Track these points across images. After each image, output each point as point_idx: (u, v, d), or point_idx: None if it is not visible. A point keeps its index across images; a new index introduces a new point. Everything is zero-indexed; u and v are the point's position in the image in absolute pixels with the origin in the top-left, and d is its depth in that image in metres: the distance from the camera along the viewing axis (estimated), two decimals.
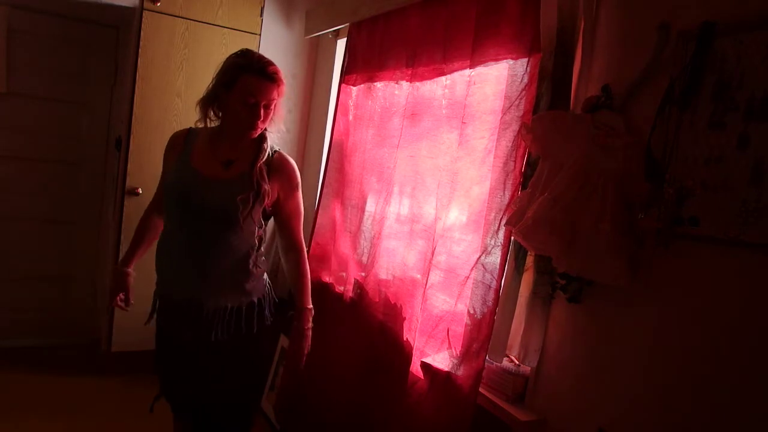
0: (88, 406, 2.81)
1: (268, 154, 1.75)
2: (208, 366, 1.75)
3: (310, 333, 1.83)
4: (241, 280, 1.74)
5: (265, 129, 1.76)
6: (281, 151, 1.80)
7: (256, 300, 1.79)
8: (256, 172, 1.69)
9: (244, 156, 1.73)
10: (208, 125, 1.77)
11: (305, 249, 1.88)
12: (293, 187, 1.80)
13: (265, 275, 1.85)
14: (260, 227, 1.74)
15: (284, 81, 1.70)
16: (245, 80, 1.63)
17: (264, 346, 1.90)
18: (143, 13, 2.86)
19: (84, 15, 3.28)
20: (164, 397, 1.86)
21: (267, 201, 1.72)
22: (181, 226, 1.70)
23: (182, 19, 2.96)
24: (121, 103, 3.31)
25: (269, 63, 1.67)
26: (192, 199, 1.66)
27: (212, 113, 1.75)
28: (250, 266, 1.75)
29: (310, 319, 1.83)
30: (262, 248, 1.79)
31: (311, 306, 1.85)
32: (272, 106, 1.70)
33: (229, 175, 1.70)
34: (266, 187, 1.70)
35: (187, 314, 1.70)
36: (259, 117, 1.66)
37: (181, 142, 1.78)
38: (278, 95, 1.70)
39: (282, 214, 1.81)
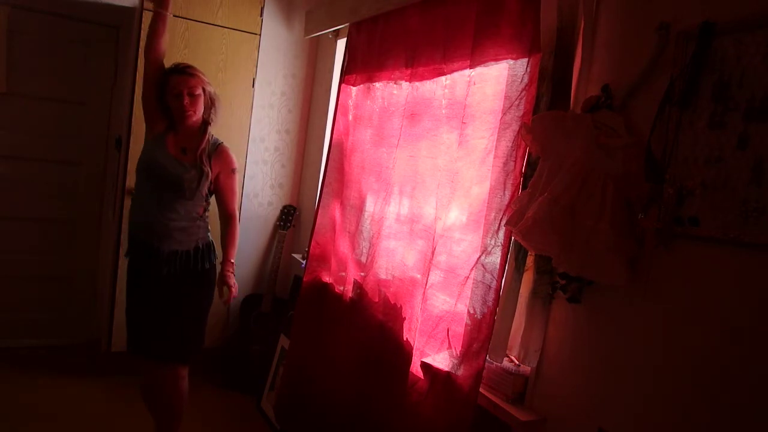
0: (88, 406, 2.81)
1: (212, 144, 2.26)
2: (167, 298, 2.21)
3: (231, 278, 2.31)
4: (188, 235, 2.23)
5: (208, 123, 2.25)
6: (223, 143, 2.31)
7: (201, 245, 2.27)
8: (199, 158, 2.20)
9: (193, 146, 2.22)
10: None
11: (237, 219, 2.38)
12: (230, 171, 2.31)
13: (209, 235, 2.34)
14: (205, 202, 2.26)
15: (199, 74, 2.21)
16: (169, 80, 2.18)
17: (207, 285, 2.33)
18: (143, 13, 2.86)
19: (84, 15, 3.28)
20: (127, 331, 2.27)
21: (210, 178, 2.23)
22: (147, 190, 2.20)
23: (182, 19, 2.96)
24: (121, 103, 3.31)
25: (186, 64, 2.24)
26: (155, 170, 2.17)
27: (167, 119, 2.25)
28: (195, 228, 2.24)
29: (232, 269, 2.32)
30: (206, 216, 2.30)
31: (233, 260, 2.34)
32: (197, 93, 2.18)
33: (185, 159, 2.20)
34: (207, 169, 2.21)
35: (150, 255, 2.19)
36: (184, 102, 2.15)
37: (163, 124, 2.25)
38: (198, 84, 2.19)
39: (220, 190, 2.31)
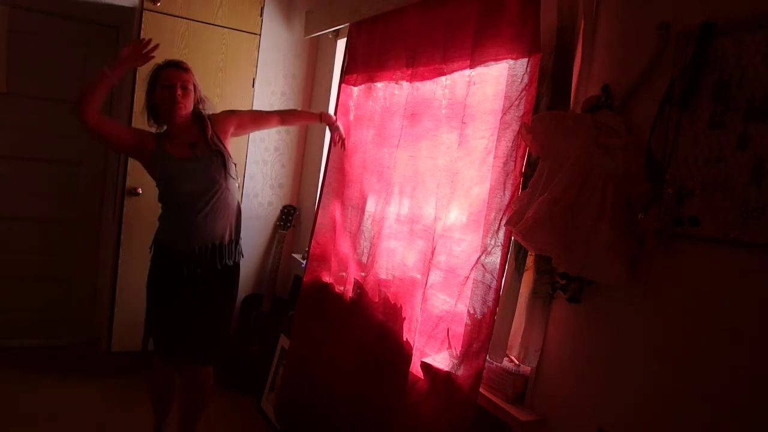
0: (88, 406, 2.81)
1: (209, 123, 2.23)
2: (204, 297, 2.23)
3: (339, 124, 2.51)
4: (237, 219, 2.31)
5: (201, 111, 2.23)
6: (206, 114, 2.26)
7: (239, 235, 2.34)
8: (212, 143, 2.19)
9: (199, 136, 2.20)
10: (155, 130, 2.26)
11: (281, 113, 2.60)
12: (232, 114, 2.35)
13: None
14: (236, 177, 2.30)
15: (190, 68, 2.19)
16: (161, 73, 2.14)
17: (238, 278, 2.39)
18: (143, 13, 2.86)
19: (84, 15, 3.28)
20: (153, 338, 2.30)
21: (228, 149, 2.25)
22: (187, 200, 2.16)
23: (182, 19, 2.96)
24: (121, 103, 3.31)
25: (180, 60, 2.22)
26: (183, 179, 2.14)
27: (153, 120, 2.23)
28: (239, 211, 2.32)
29: (333, 115, 2.54)
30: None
31: (319, 113, 2.58)
32: (189, 87, 2.16)
33: (199, 153, 2.17)
34: (222, 149, 2.21)
35: (207, 256, 2.20)
36: (177, 93, 2.11)
37: (153, 141, 2.17)
38: (190, 79, 2.17)
39: (250, 126, 2.45)
